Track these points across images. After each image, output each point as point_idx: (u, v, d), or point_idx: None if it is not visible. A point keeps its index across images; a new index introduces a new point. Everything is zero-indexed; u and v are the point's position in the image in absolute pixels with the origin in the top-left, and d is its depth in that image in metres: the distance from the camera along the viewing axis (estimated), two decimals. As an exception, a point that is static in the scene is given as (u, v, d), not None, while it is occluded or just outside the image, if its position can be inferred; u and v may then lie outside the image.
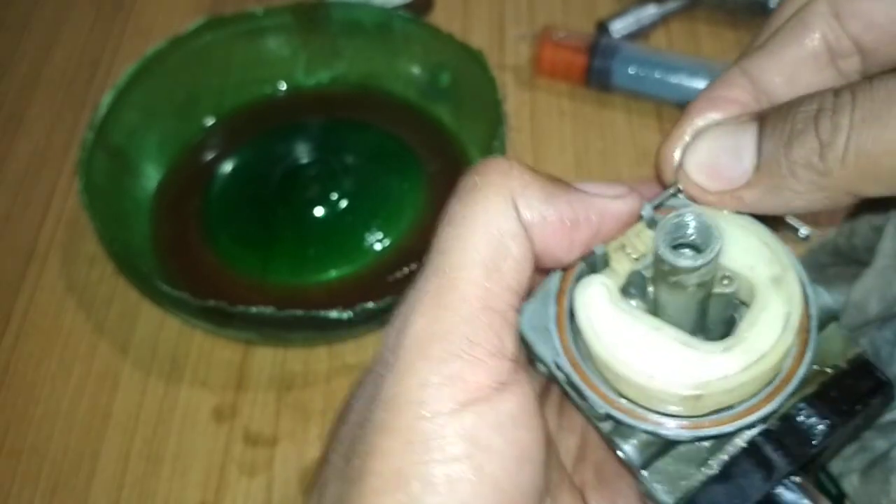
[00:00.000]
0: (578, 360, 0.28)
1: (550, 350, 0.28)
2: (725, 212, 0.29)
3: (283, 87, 0.70)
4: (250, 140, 0.68)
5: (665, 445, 0.28)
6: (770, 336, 0.26)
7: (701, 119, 0.29)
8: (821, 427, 0.27)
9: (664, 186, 0.30)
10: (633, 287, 0.29)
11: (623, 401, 0.27)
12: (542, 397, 0.33)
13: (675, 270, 0.26)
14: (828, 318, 0.28)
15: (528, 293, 0.29)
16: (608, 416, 0.27)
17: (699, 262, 0.26)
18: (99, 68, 0.76)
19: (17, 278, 0.63)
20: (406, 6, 0.71)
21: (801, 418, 0.27)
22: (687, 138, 0.29)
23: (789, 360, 0.27)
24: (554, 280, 0.29)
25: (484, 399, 0.25)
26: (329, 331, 0.56)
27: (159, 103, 0.66)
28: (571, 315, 0.28)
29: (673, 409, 0.27)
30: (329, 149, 0.66)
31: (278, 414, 0.57)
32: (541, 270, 0.29)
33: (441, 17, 0.76)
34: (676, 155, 0.30)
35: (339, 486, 0.26)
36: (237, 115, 0.69)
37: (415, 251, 0.60)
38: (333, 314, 0.52)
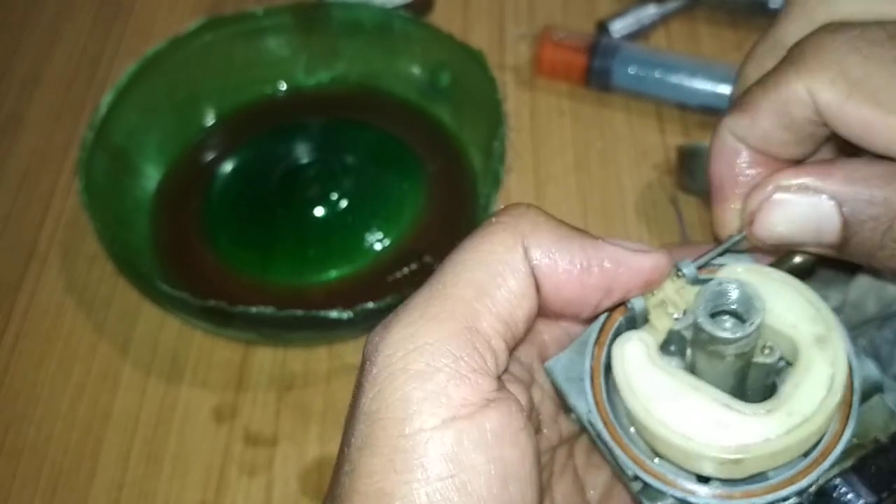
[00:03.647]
0: (611, 417, 0.28)
1: (584, 403, 0.28)
2: (768, 268, 0.29)
3: (283, 87, 0.70)
4: (250, 140, 0.68)
5: None
6: (814, 398, 0.26)
7: (732, 187, 0.30)
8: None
9: (719, 243, 0.30)
10: (672, 345, 0.28)
11: (654, 464, 0.27)
12: (574, 436, 0.33)
13: (714, 340, 0.26)
14: (872, 389, 0.28)
15: (524, 338, 0.28)
16: (636, 478, 0.27)
17: (738, 334, 0.26)
18: (99, 68, 0.76)
19: (17, 278, 0.63)
20: (406, 6, 0.71)
21: (837, 494, 0.26)
22: (736, 208, 0.30)
23: (830, 428, 0.26)
24: (592, 332, 0.29)
25: (467, 416, 0.25)
26: (329, 331, 0.56)
27: (159, 103, 0.66)
28: (607, 369, 0.28)
29: (710, 471, 0.26)
30: (329, 149, 0.66)
31: (278, 414, 0.57)
32: (557, 316, 0.29)
33: (441, 17, 0.76)
34: (734, 218, 0.30)
35: None
36: (237, 115, 0.69)
37: (415, 251, 0.60)
38: (333, 314, 0.52)
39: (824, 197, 0.28)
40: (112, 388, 0.58)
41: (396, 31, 0.68)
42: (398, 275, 0.59)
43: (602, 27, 0.73)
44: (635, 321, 0.29)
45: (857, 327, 0.36)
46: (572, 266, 0.27)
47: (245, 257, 0.62)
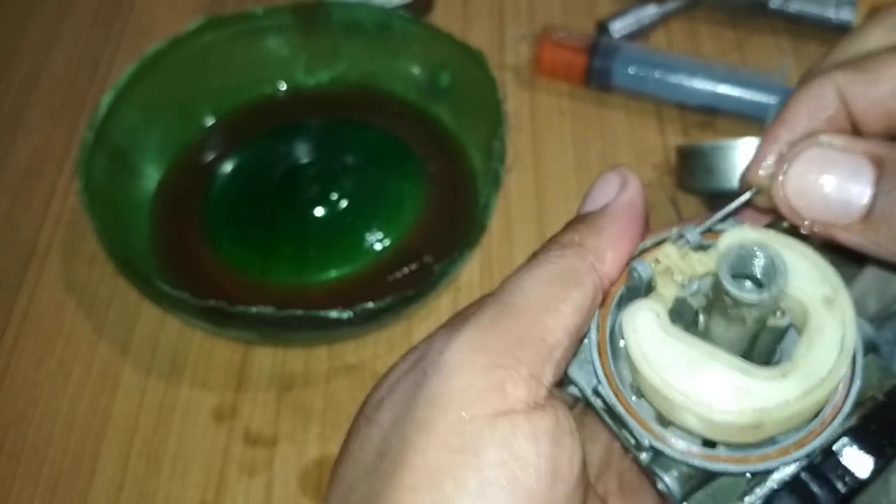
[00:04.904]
0: (621, 387, 0.28)
1: (586, 375, 0.28)
2: (770, 230, 0.29)
3: (283, 87, 0.70)
4: (250, 140, 0.68)
5: (705, 477, 0.27)
6: (828, 360, 0.26)
7: (792, 133, 0.29)
8: (866, 463, 0.26)
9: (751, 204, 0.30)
10: (678, 313, 0.28)
11: (669, 432, 0.27)
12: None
13: (738, 303, 0.26)
14: (867, 349, 0.28)
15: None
16: (651, 448, 0.27)
17: (765, 296, 0.26)
18: (99, 68, 0.76)
19: (17, 278, 0.63)
20: (406, 6, 0.71)
21: (845, 454, 0.26)
22: (781, 152, 0.29)
23: (839, 389, 0.27)
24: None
25: (521, 412, 0.26)
26: (329, 331, 0.56)
27: (159, 103, 0.66)
28: (611, 340, 0.28)
29: (727, 437, 0.26)
30: (329, 149, 0.66)
31: (278, 414, 0.57)
32: None
33: (441, 17, 0.76)
34: (765, 171, 0.30)
35: (368, 485, 0.26)
36: (237, 115, 0.69)
37: (415, 251, 0.60)
38: (333, 314, 0.52)
39: (862, 157, 0.28)
40: (112, 388, 0.58)
41: (396, 31, 0.68)
42: (398, 275, 0.59)
43: (602, 27, 0.73)
44: (639, 290, 0.28)
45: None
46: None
47: (245, 257, 0.62)
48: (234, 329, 0.56)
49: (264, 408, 0.57)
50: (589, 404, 0.28)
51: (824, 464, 0.26)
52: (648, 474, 0.28)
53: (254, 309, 0.52)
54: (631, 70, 0.69)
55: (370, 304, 0.52)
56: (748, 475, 0.27)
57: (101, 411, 0.57)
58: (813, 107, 0.30)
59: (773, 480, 0.27)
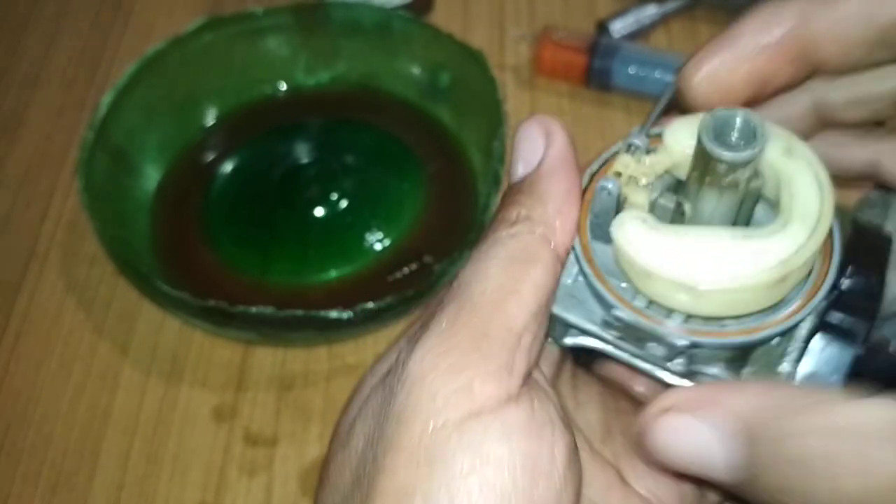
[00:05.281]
0: (634, 304, 0.28)
1: (587, 312, 0.28)
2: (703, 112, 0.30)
3: (283, 87, 0.70)
4: (250, 140, 0.68)
5: (742, 355, 0.28)
6: (813, 198, 0.27)
7: (734, 48, 0.30)
8: (873, 280, 0.27)
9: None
10: (656, 215, 0.29)
11: (699, 326, 0.27)
12: (553, 377, 0.32)
13: (732, 167, 0.26)
14: None
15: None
16: (690, 347, 0.27)
17: (757, 148, 0.26)
18: (99, 68, 0.76)
19: (17, 278, 0.63)
20: (406, 6, 0.71)
21: (852, 282, 0.27)
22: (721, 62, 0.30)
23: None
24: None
25: (491, 409, 0.24)
26: (329, 331, 0.56)
27: (159, 103, 0.66)
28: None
29: (756, 306, 0.27)
30: (329, 149, 0.66)
31: (278, 414, 0.57)
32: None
33: (441, 17, 0.76)
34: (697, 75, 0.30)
35: None
36: (237, 115, 0.69)
37: (415, 251, 0.60)
38: (333, 314, 0.52)
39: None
40: (112, 388, 0.58)
41: (396, 31, 0.68)
42: (398, 275, 0.59)
43: (602, 27, 0.73)
44: (610, 208, 0.28)
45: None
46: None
47: (245, 257, 0.62)
48: (234, 329, 0.56)
49: (264, 408, 0.57)
50: (582, 348, 0.28)
51: (840, 298, 0.27)
52: (696, 381, 0.28)
53: (254, 309, 0.52)
54: (631, 70, 0.69)
55: (370, 304, 0.52)
56: (775, 340, 0.28)
57: (101, 411, 0.57)
58: (764, 23, 0.30)
59: (799, 338, 0.27)
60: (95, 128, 0.61)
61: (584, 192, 0.30)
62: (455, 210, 0.62)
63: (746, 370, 0.28)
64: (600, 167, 0.31)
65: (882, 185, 0.33)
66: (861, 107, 0.32)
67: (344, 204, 0.63)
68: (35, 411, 0.57)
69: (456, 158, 0.66)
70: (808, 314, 0.27)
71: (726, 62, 0.30)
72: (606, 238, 0.28)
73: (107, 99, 0.62)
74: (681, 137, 0.29)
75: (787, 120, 0.32)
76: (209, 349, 0.59)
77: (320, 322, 0.52)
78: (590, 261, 0.28)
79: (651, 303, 0.28)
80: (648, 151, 0.29)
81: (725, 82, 0.30)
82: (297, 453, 0.55)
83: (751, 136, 0.26)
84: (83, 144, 0.60)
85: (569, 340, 0.29)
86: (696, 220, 0.28)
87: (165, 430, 0.56)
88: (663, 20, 0.75)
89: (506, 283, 0.26)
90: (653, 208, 0.29)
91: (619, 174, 0.29)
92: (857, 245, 0.28)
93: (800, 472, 0.21)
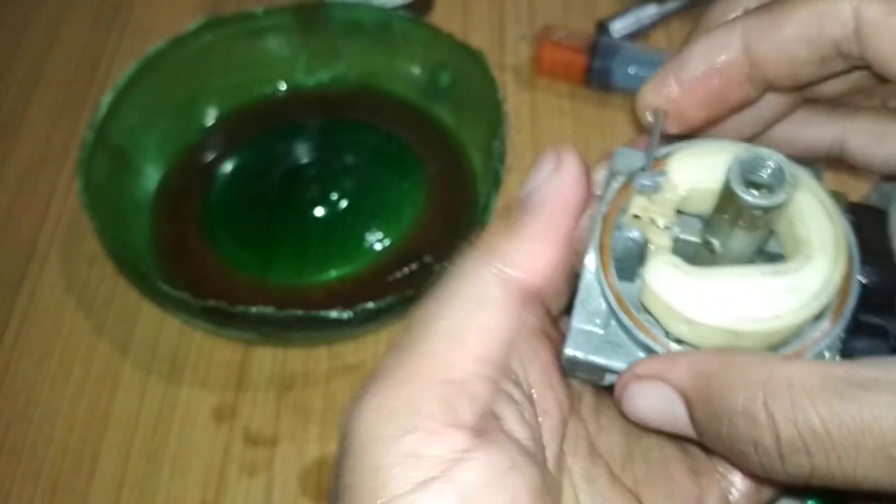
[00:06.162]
0: (671, 347, 0.28)
1: (628, 355, 0.28)
2: (704, 139, 0.30)
3: (283, 87, 0.70)
4: (250, 140, 0.68)
5: None
6: (826, 226, 0.27)
7: (682, 72, 0.30)
8: (892, 274, 0.27)
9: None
10: (681, 255, 0.28)
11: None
12: (573, 401, 0.31)
13: (768, 210, 0.26)
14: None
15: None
16: None
17: (790, 190, 0.26)
18: (99, 68, 0.76)
19: (17, 278, 0.63)
20: (406, 6, 0.71)
21: (873, 280, 0.27)
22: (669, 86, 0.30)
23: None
24: (593, 290, 0.28)
25: (442, 474, 0.23)
26: (329, 331, 0.56)
27: (159, 103, 0.66)
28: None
29: (795, 334, 0.27)
30: (329, 149, 0.66)
31: (278, 414, 0.57)
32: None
33: (441, 17, 0.76)
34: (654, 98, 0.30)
35: None
36: (237, 115, 0.69)
37: (415, 251, 0.60)
38: (333, 314, 0.52)
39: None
40: (112, 388, 0.58)
41: (396, 31, 0.68)
42: (398, 275, 0.59)
43: (602, 27, 0.73)
44: (636, 254, 0.28)
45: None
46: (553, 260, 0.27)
47: (245, 257, 0.62)
48: (234, 329, 0.56)
49: (264, 408, 0.57)
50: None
51: (866, 298, 0.27)
52: None
53: (254, 309, 0.52)
54: (631, 70, 0.69)
55: (370, 304, 0.52)
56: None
57: (101, 411, 0.57)
58: (709, 49, 0.30)
59: (835, 348, 0.27)
60: (95, 128, 0.61)
61: (600, 236, 0.29)
62: (455, 210, 0.62)
63: None
64: (608, 208, 0.30)
65: (889, 178, 0.33)
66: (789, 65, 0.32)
67: (344, 204, 0.63)
68: (35, 411, 0.57)
69: (456, 158, 0.66)
70: (844, 323, 0.27)
71: (681, 85, 0.30)
72: (630, 278, 0.28)
73: (107, 99, 0.62)
74: (685, 175, 0.29)
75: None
76: (209, 349, 0.59)
77: (320, 322, 0.52)
78: (628, 312, 0.28)
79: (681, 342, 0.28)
80: (657, 190, 0.29)
81: (680, 106, 0.30)
82: (297, 453, 0.55)
83: (780, 176, 0.26)
84: (83, 144, 0.60)
85: (609, 379, 0.29)
86: (726, 257, 0.28)
87: (165, 430, 0.56)
88: (663, 20, 0.75)
89: (451, 329, 0.25)
90: (677, 247, 0.28)
91: (637, 217, 0.28)
92: (862, 232, 0.28)
93: (746, 421, 0.24)
